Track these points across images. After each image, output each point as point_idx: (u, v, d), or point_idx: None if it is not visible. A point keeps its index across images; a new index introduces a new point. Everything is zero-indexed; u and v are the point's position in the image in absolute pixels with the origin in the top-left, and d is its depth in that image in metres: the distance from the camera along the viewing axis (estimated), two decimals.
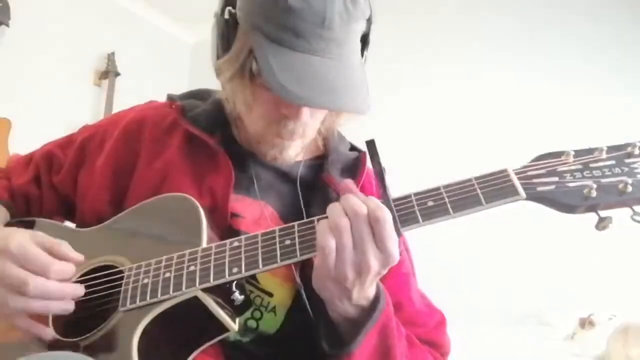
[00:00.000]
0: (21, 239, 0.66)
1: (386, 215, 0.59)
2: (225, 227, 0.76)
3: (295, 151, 0.81)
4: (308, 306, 0.73)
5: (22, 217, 0.88)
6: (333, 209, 0.60)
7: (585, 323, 2.07)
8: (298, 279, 0.74)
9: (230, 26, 0.74)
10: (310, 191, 0.83)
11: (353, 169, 0.85)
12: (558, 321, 2.40)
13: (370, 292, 0.65)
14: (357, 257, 0.58)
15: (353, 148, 0.93)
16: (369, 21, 0.77)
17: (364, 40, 0.79)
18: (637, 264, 2.46)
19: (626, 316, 1.94)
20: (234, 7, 0.74)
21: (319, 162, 0.87)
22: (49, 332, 0.67)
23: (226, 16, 0.74)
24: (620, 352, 1.61)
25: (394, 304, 0.77)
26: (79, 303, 0.70)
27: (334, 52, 0.69)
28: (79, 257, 0.69)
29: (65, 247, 0.69)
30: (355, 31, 0.72)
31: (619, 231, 0.55)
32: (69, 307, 0.65)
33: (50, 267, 0.64)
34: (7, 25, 2.81)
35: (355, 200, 0.60)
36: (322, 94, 0.66)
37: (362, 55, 0.79)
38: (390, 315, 0.68)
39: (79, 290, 0.67)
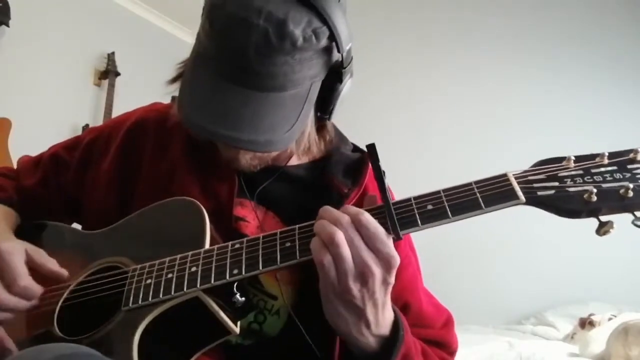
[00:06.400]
0: (11, 247, 0.71)
1: (368, 217, 0.59)
2: (230, 231, 0.77)
3: (245, 162, 0.78)
4: (297, 320, 0.74)
5: (30, 219, 0.90)
6: (320, 224, 0.60)
7: (585, 323, 2.07)
8: (285, 300, 0.75)
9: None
10: (312, 193, 0.83)
11: (356, 170, 0.85)
12: (558, 321, 2.40)
13: (388, 315, 0.65)
14: (356, 266, 0.58)
15: (356, 149, 0.92)
16: (338, 48, 0.70)
17: (334, 69, 0.74)
18: (637, 264, 2.46)
19: (626, 316, 1.94)
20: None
21: (321, 164, 0.87)
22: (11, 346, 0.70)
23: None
24: (620, 352, 1.61)
25: (401, 306, 0.77)
26: (84, 303, 0.71)
27: (254, 84, 0.67)
28: (63, 273, 0.75)
29: (51, 264, 0.75)
30: (287, 63, 0.66)
31: (619, 232, 0.54)
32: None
33: (17, 281, 0.70)
34: (7, 25, 2.81)
35: (334, 211, 0.61)
36: (215, 125, 0.65)
37: (335, 84, 0.75)
38: (410, 341, 0.68)
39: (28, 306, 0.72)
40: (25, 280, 0.70)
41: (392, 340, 0.65)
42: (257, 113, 0.67)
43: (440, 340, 0.81)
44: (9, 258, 0.70)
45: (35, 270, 0.73)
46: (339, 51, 0.71)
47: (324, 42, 0.69)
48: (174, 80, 0.81)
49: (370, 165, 0.83)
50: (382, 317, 0.63)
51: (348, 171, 0.85)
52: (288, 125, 0.68)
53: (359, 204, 0.68)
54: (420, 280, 0.86)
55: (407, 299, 0.79)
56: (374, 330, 0.63)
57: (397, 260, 0.59)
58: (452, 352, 0.83)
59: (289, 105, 0.69)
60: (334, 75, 0.74)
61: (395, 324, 0.66)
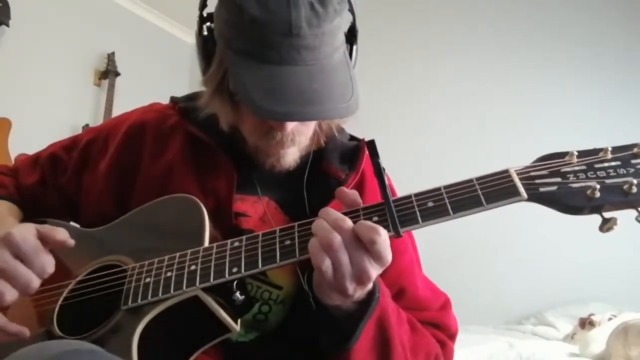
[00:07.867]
0: (24, 231, 0.68)
1: (366, 222, 0.59)
2: (230, 227, 0.77)
3: (292, 157, 0.81)
4: (312, 299, 0.73)
5: (29, 217, 0.89)
6: (320, 226, 0.60)
7: (585, 323, 2.07)
8: (305, 286, 0.73)
9: (208, 44, 0.76)
10: (311, 181, 0.83)
11: (352, 157, 0.86)
12: (558, 321, 2.40)
13: (369, 286, 0.65)
14: (354, 269, 0.58)
15: (352, 138, 0.93)
16: (351, 12, 0.75)
17: (350, 31, 0.78)
18: (638, 264, 2.46)
19: (626, 316, 1.94)
20: (211, 25, 0.76)
21: (318, 152, 0.87)
22: (24, 332, 0.68)
23: (204, 34, 0.76)
24: (620, 352, 1.61)
25: (397, 291, 0.78)
26: (83, 302, 0.71)
27: (308, 59, 0.68)
28: (70, 242, 0.71)
29: (60, 234, 0.70)
30: (330, 31, 0.69)
31: (619, 232, 0.54)
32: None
33: (34, 261, 0.66)
34: (7, 25, 2.81)
35: (334, 214, 0.60)
36: (298, 106, 0.65)
37: (352, 47, 0.79)
38: (386, 304, 0.69)
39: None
40: (39, 259, 0.67)
41: (367, 302, 0.66)
42: (325, 84, 0.68)
43: (437, 322, 0.82)
44: (24, 241, 0.67)
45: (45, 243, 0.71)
46: (352, 12, 0.75)
47: (348, 3, 0.73)
48: (214, 93, 0.79)
49: (366, 151, 0.83)
50: (364, 291, 0.65)
51: (344, 158, 0.86)
52: (350, 87, 0.70)
53: (357, 188, 0.70)
54: (418, 266, 0.87)
55: (403, 284, 0.80)
56: (355, 299, 0.64)
57: (389, 260, 0.60)
58: (451, 335, 0.83)
59: (341, 71, 0.72)
60: (348, 38, 0.78)
61: (372, 288, 0.66)
